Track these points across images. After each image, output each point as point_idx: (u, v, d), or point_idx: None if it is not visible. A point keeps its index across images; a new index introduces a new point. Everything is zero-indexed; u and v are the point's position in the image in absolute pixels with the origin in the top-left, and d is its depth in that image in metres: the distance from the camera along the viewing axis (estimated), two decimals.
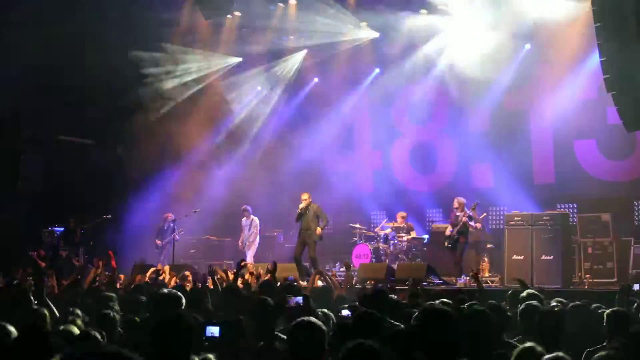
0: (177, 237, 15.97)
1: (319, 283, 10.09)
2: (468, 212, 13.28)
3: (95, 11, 15.25)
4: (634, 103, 10.14)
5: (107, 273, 10.09)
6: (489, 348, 4.41)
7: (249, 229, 16.08)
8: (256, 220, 16.17)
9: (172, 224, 16.11)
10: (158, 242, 16.39)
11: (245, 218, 16.18)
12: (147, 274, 10.57)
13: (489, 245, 14.41)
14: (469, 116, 16.61)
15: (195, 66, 17.86)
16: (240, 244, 16.13)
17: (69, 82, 15.76)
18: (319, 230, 13.75)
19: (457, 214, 13.42)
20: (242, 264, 9.01)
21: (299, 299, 5.14)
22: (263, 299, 5.32)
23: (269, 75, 18.43)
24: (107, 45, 15.50)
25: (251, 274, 9.52)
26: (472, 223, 13.35)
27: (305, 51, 18.18)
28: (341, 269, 14.72)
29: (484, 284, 12.76)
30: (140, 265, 12.15)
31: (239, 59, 18.23)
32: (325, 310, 5.66)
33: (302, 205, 13.90)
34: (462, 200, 13.54)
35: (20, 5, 14.99)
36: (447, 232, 13.48)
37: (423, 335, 3.67)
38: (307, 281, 11.27)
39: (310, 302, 5.21)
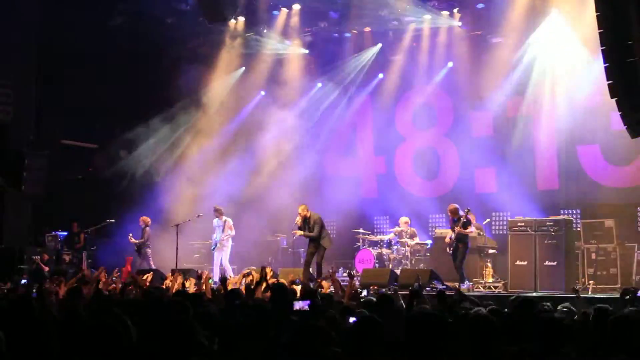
0: (134, 240, 15.63)
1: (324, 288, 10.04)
2: (462, 218, 13.18)
3: None
4: (638, 109, 10.12)
5: (115, 278, 10.09)
6: None
7: (222, 230, 15.49)
8: (230, 221, 15.59)
9: (147, 228, 15.81)
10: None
11: (217, 219, 15.60)
12: (147, 278, 10.58)
13: (492, 251, 14.36)
14: (473, 121, 16.61)
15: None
16: (213, 245, 15.66)
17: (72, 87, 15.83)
18: (299, 232, 13.80)
19: (454, 220, 13.38)
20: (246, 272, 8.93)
21: (305, 303, 5.11)
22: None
23: (269, 81, 18.43)
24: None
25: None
26: (466, 230, 13.20)
27: (306, 55, 18.22)
28: (344, 275, 14.68)
29: (487, 290, 12.81)
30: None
31: (242, 69, 18.31)
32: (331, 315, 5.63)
33: (298, 219, 13.83)
34: (453, 206, 13.44)
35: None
36: (447, 240, 13.46)
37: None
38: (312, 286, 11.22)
39: (317, 307, 5.18)
